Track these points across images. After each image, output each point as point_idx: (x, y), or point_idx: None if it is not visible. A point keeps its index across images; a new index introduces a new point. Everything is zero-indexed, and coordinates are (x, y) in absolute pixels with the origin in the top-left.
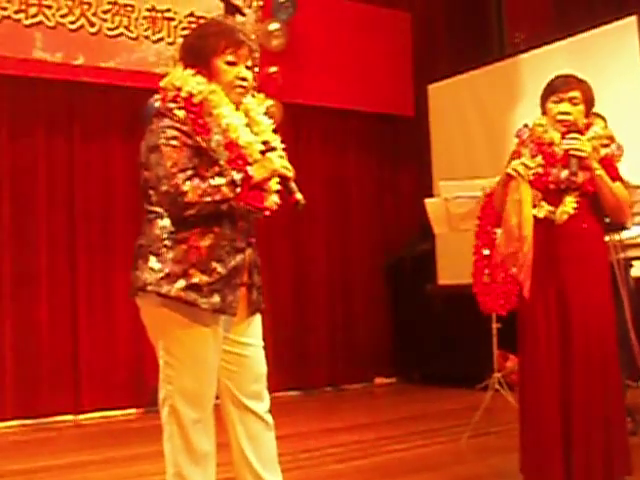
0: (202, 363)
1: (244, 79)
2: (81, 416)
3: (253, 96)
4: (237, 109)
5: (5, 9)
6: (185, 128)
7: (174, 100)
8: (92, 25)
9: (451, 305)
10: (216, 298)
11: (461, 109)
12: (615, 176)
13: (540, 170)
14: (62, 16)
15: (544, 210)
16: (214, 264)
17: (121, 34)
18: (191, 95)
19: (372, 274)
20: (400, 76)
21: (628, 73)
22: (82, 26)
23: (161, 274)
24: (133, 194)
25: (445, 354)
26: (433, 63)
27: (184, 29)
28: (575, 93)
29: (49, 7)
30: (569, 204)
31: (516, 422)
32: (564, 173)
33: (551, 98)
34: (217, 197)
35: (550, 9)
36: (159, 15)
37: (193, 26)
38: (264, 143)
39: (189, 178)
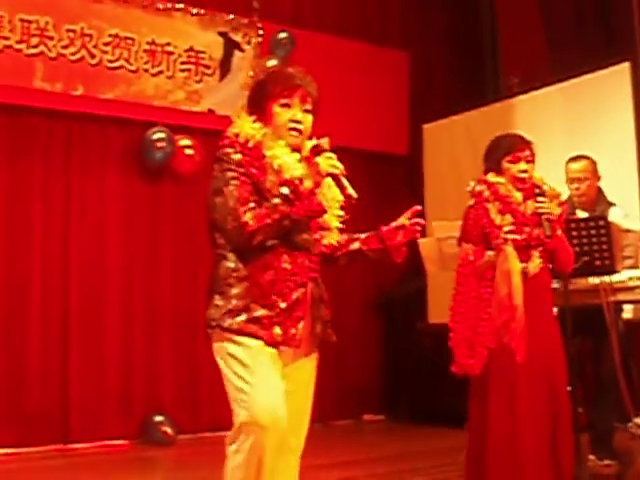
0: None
1: (298, 122)
2: (70, 445)
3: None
4: (294, 151)
5: (7, 39)
6: (242, 170)
7: (231, 145)
8: (92, 57)
9: (441, 343)
10: (277, 330)
11: (455, 149)
12: (560, 227)
13: (512, 228)
14: (63, 47)
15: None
16: (275, 298)
17: (121, 66)
18: (247, 140)
19: (363, 310)
20: (396, 114)
21: (620, 118)
22: (83, 57)
23: (224, 310)
24: (126, 227)
25: (434, 392)
26: (429, 102)
27: (183, 63)
28: (528, 152)
29: (51, 38)
30: (536, 258)
31: None
32: (535, 232)
33: (506, 158)
34: (276, 215)
35: (545, 53)
36: (159, 49)
37: (192, 60)
38: (313, 147)
39: (250, 210)
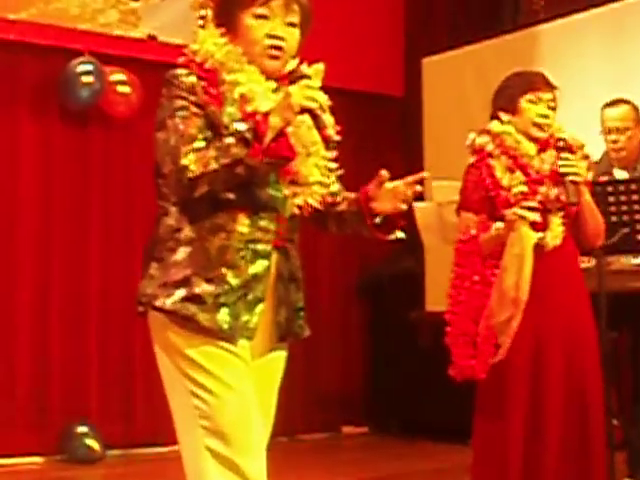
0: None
1: (278, 38)
2: None
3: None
4: (270, 78)
5: None
6: (193, 98)
7: (186, 65)
8: None
9: (441, 337)
10: (224, 315)
11: (462, 90)
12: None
13: (524, 188)
14: None
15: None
16: (224, 270)
17: None
18: (205, 60)
19: (342, 296)
20: (387, 46)
21: None
22: None
23: (159, 282)
24: (42, 183)
25: (431, 399)
26: (429, 32)
27: None
28: (551, 96)
29: None
30: (557, 226)
31: None
32: (554, 192)
33: (527, 96)
34: (226, 160)
35: None
36: None
37: None
38: (290, 72)
39: (194, 150)
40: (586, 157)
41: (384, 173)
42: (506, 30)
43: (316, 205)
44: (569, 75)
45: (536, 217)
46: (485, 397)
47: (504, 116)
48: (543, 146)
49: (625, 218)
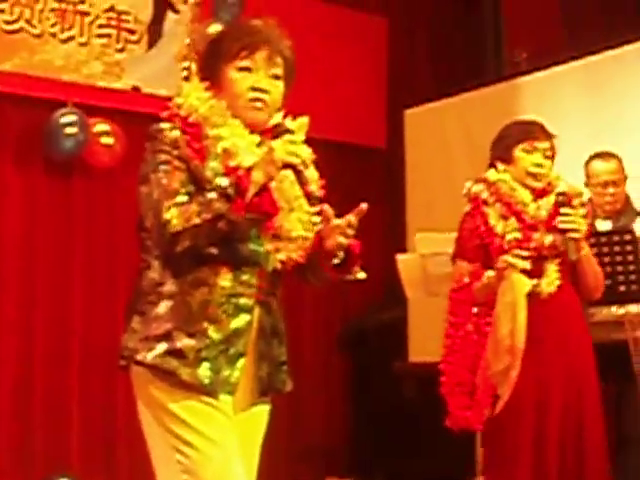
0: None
1: (262, 90)
2: None
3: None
4: (254, 132)
5: None
6: (176, 152)
7: (170, 119)
8: None
9: (426, 388)
10: (205, 370)
11: (445, 142)
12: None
13: (518, 235)
14: None
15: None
16: (206, 325)
17: (21, 29)
18: (189, 114)
19: (325, 347)
20: (370, 97)
21: None
22: None
23: (141, 335)
24: (26, 233)
25: (417, 451)
26: (412, 83)
27: (101, 26)
28: (548, 145)
29: None
30: (553, 274)
31: None
32: (548, 239)
33: (521, 145)
34: (208, 215)
35: (560, 22)
36: (70, 8)
37: (113, 23)
38: (274, 127)
39: (176, 205)
40: (583, 205)
41: (363, 206)
42: (488, 82)
43: (299, 260)
44: (550, 126)
45: (526, 265)
46: (491, 451)
47: (500, 165)
48: (539, 194)
49: (608, 270)
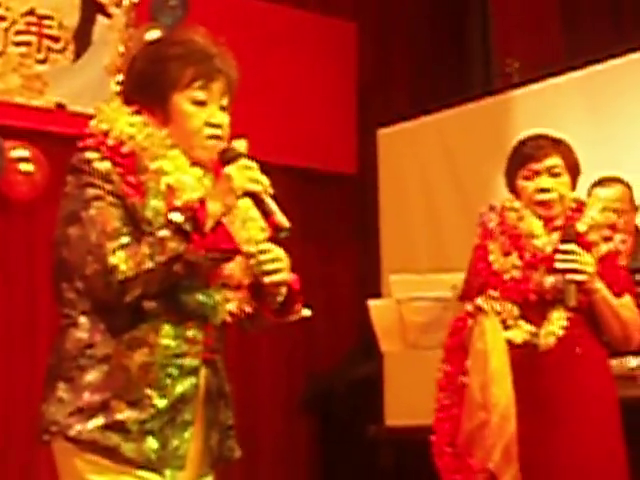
0: None
1: (217, 126)
2: None
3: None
4: (196, 165)
5: None
6: (109, 187)
7: (96, 149)
8: None
9: (404, 456)
10: (151, 443)
11: (424, 167)
12: (621, 286)
13: (516, 274)
14: None
15: (523, 332)
16: (149, 391)
17: None
18: (120, 142)
19: (286, 409)
20: (338, 115)
21: None
22: None
23: (71, 407)
24: None
25: None
26: (387, 98)
27: (19, 33)
28: (554, 160)
29: None
30: (557, 322)
31: None
32: (549, 280)
33: (521, 173)
34: (162, 257)
35: (556, 30)
36: None
37: (33, 29)
38: (222, 152)
39: (122, 247)
40: (610, 239)
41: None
42: (475, 96)
43: (249, 310)
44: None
45: (496, 307)
46: None
47: (510, 198)
48: (553, 223)
49: None
